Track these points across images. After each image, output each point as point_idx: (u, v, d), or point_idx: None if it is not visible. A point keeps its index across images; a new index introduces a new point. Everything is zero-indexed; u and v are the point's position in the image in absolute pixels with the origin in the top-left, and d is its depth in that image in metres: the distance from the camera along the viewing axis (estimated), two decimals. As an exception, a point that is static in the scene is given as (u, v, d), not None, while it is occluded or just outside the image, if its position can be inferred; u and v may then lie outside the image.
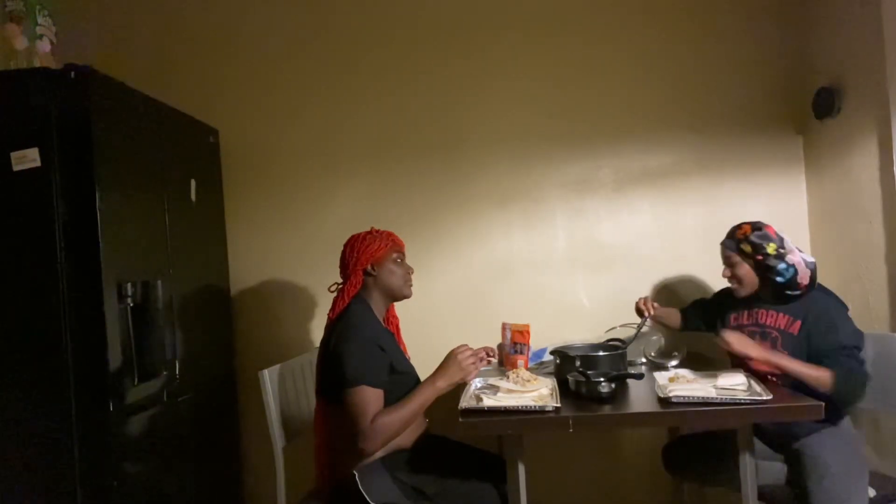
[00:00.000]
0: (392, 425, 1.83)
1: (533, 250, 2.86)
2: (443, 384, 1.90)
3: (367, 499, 1.84)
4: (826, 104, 2.53)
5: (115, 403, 1.96)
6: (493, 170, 2.86)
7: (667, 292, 2.79)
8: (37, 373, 1.92)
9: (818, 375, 1.88)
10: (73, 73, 1.92)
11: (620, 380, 1.95)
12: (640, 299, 2.43)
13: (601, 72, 2.83)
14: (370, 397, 1.82)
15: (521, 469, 1.83)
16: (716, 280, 2.70)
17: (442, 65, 2.86)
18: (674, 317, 2.49)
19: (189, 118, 2.58)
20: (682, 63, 2.81)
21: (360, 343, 1.88)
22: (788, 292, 2.04)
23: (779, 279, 2.03)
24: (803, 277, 2.03)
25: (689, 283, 2.79)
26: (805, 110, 2.69)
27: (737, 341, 1.99)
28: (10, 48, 2.02)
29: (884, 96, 2.24)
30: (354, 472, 1.88)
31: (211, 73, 2.90)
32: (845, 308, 2.05)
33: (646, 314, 2.38)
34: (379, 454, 1.93)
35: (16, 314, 1.93)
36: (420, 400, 1.88)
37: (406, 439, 1.99)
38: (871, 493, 1.92)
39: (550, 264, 2.85)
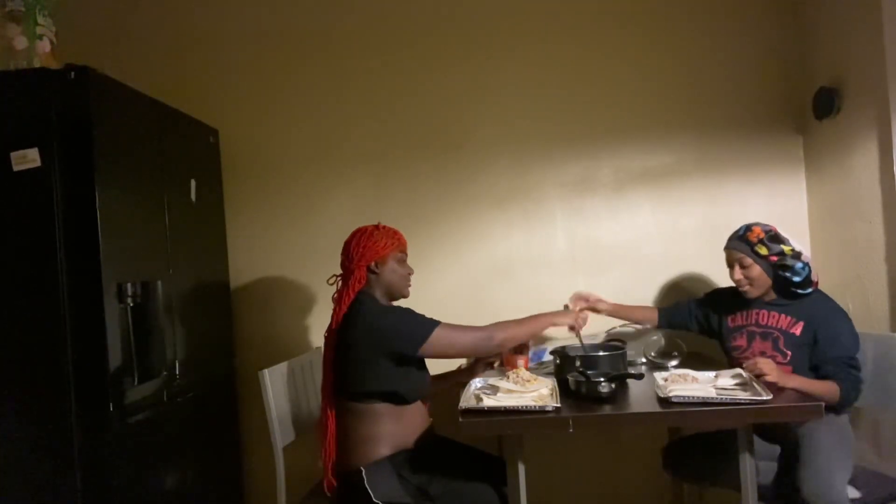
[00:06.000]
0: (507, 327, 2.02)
1: (533, 250, 2.86)
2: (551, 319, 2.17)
3: (372, 497, 1.84)
4: (826, 104, 2.53)
5: (115, 403, 1.95)
6: (493, 170, 2.86)
7: (667, 292, 2.78)
8: (37, 373, 1.92)
9: (828, 390, 1.92)
10: (73, 73, 1.92)
11: (620, 380, 1.95)
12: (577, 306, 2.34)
13: (601, 72, 2.82)
14: (450, 325, 1.95)
15: (521, 469, 1.83)
16: (716, 279, 2.72)
17: (442, 65, 2.86)
18: (639, 313, 2.46)
19: (189, 118, 2.58)
20: (683, 63, 2.80)
21: (396, 310, 2.00)
22: (800, 291, 2.06)
23: (795, 279, 2.04)
24: (815, 276, 2.07)
25: (690, 282, 2.78)
26: (805, 110, 2.68)
27: (774, 372, 1.91)
28: (10, 48, 2.02)
29: (884, 96, 2.24)
30: (361, 468, 1.89)
31: (211, 74, 2.90)
32: (842, 310, 2.07)
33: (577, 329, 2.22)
34: (385, 452, 1.94)
35: (16, 314, 1.93)
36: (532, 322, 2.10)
37: (410, 438, 2.00)
38: (855, 493, 1.92)
39: (550, 264, 2.85)
